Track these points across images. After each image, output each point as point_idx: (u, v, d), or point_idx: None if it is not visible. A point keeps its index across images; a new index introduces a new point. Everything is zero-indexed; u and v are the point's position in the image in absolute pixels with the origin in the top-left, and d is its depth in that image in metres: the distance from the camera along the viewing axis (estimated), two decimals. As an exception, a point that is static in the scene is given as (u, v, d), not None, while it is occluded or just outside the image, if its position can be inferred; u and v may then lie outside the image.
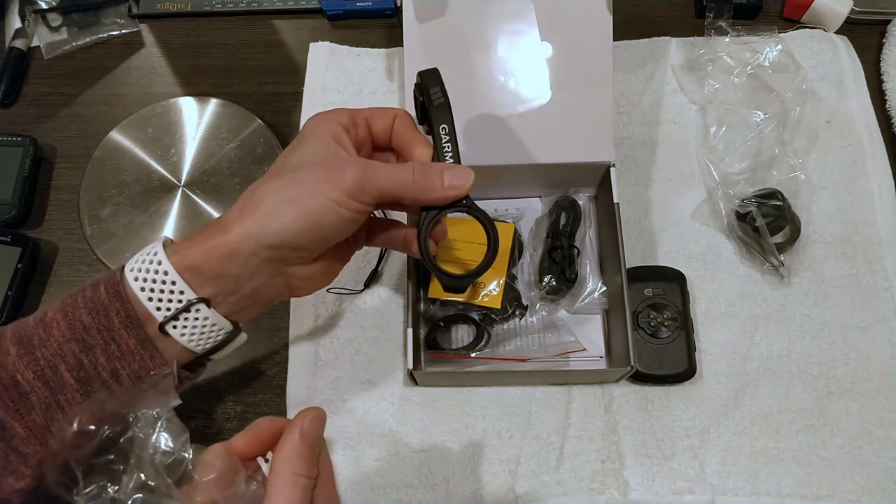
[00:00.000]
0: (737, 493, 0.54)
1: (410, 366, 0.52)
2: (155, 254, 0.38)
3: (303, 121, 0.67)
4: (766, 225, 0.58)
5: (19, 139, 0.66)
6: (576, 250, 0.58)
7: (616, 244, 0.55)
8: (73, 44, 0.73)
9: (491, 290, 0.56)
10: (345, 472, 0.55)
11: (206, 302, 0.39)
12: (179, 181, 0.63)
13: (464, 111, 0.57)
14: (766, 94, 0.65)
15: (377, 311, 0.60)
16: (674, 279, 0.58)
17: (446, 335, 0.58)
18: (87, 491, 0.37)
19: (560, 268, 0.57)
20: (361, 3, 0.72)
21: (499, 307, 0.56)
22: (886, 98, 0.66)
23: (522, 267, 0.60)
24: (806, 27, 0.69)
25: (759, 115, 0.64)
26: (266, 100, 0.69)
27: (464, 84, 0.57)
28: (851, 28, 0.69)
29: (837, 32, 0.69)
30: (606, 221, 0.58)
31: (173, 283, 0.38)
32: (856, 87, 0.67)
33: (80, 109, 0.71)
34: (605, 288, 0.58)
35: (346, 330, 0.59)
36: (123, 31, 0.74)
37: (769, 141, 0.63)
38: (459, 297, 0.56)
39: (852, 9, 0.68)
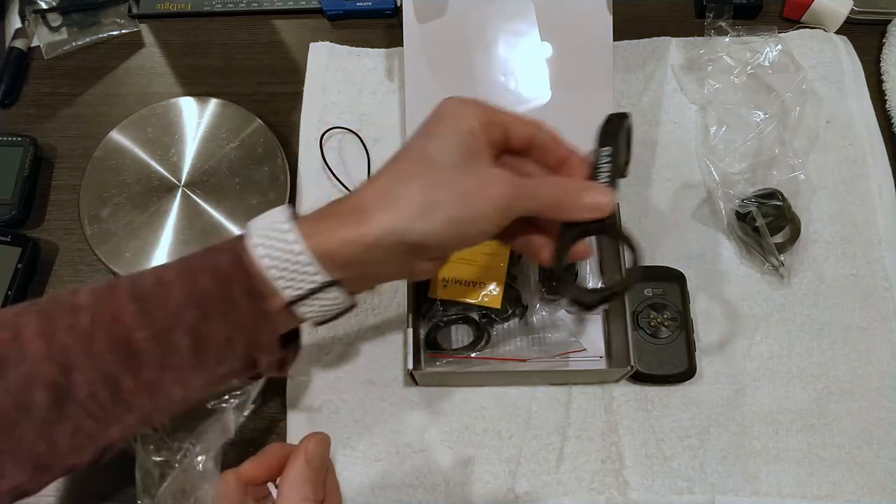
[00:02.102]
0: (737, 493, 0.54)
1: (410, 366, 0.52)
2: (287, 230, 0.37)
3: (303, 121, 0.67)
4: (766, 225, 0.58)
5: (19, 139, 0.66)
6: None
7: (616, 244, 0.55)
8: (73, 44, 0.73)
9: (491, 290, 0.56)
10: (345, 472, 0.55)
11: (339, 284, 0.38)
12: (179, 181, 0.63)
13: (464, 111, 0.57)
14: (766, 94, 0.65)
15: (377, 311, 0.60)
16: (674, 279, 0.58)
17: (446, 335, 0.58)
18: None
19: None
20: (361, 3, 0.72)
21: (499, 307, 0.56)
22: (886, 98, 0.66)
23: (522, 267, 0.60)
24: (806, 27, 0.69)
25: (759, 115, 0.64)
26: (266, 100, 0.69)
27: (464, 84, 0.57)
28: (851, 28, 0.69)
29: (837, 32, 0.69)
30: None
31: (308, 264, 0.37)
32: (856, 87, 0.67)
33: (80, 109, 0.71)
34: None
35: (346, 330, 0.59)
36: (123, 31, 0.74)
37: (769, 141, 0.63)
38: (459, 297, 0.56)
39: (852, 9, 0.68)
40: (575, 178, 0.43)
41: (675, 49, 0.69)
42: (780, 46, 0.65)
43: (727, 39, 0.67)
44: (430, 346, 0.57)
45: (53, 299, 0.38)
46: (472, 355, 0.56)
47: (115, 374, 0.37)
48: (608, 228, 0.42)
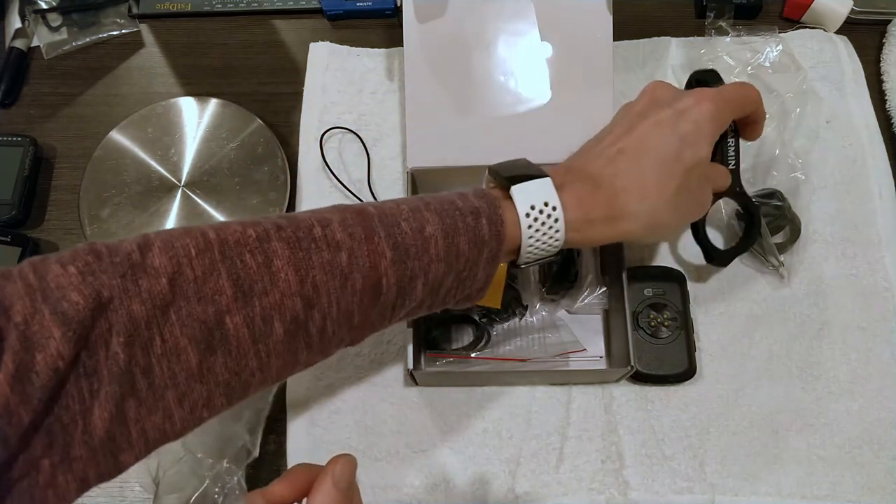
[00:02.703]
0: (737, 493, 0.54)
1: (410, 366, 0.52)
2: (557, 229, 0.41)
3: (303, 121, 0.67)
4: (766, 225, 0.58)
5: (19, 139, 0.66)
6: (575, 250, 0.58)
7: (616, 244, 0.55)
8: (73, 44, 0.73)
9: (491, 290, 0.56)
10: (345, 472, 0.55)
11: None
12: (179, 181, 0.63)
13: (463, 111, 0.58)
14: (766, 94, 0.65)
15: (377, 311, 0.60)
16: (673, 279, 0.58)
17: (446, 335, 0.58)
18: None
19: (560, 267, 0.57)
20: (361, 3, 0.72)
21: (499, 307, 0.56)
22: (886, 98, 0.66)
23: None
24: (806, 27, 0.69)
25: (768, 115, 0.64)
26: (266, 100, 0.69)
27: (463, 84, 0.57)
28: (851, 28, 0.69)
29: (837, 32, 0.69)
30: (606, 221, 0.58)
31: (557, 233, 0.41)
32: (856, 87, 0.67)
33: (80, 109, 0.71)
34: (604, 288, 0.58)
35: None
36: (123, 31, 0.74)
37: (769, 141, 0.63)
38: None
39: (852, 9, 0.68)
40: None
41: (675, 49, 0.69)
42: (780, 46, 0.65)
43: (728, 39, 0.67)
44: (430, 346, 0.57)
45: (296, 226, 0.38)
46: (472, 355, 0.56)
47: (354, 312, 0.39)
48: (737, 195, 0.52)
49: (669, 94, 0.46)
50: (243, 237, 0.36)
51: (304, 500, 0.38)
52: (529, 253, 0.42)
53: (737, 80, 0.65)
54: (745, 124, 0.50)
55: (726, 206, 0.61)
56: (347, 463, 0.38)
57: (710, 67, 0.55)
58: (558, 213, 0.41)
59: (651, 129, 0.44)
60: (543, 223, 0.41)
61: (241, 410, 0.52)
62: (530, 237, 0.41)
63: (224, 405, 0.37)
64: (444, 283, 0.40)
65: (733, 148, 0.55)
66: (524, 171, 0.42)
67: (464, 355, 0.56)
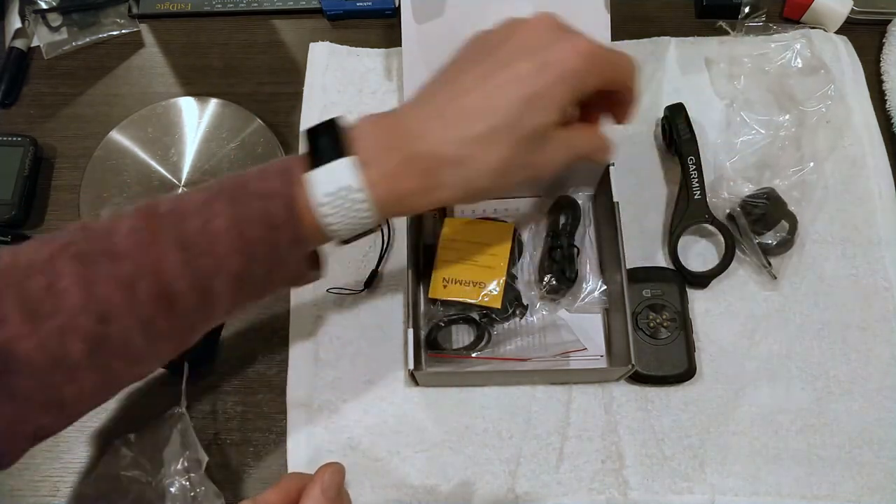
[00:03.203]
0: (737, 493, 0.54)
1: (411, 366, 0.52)
2: (362, 201, 0.38)
3: (303, 121, 0.67)
4: (754, 225, 0.58)
5: (19, 139, 0.66)
6: (576, 249, 0.58)
7: (616, 244, 0.55)
8: (73, 44, 0.73)
9: (491, 290, 0.56)
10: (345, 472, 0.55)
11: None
12: (179, 181, 0.63)
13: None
14: (775, 95, 0.65)
15: (377, 311, 0.60)
16: (672, 280, 0.58)
17: (446, 335, 0.58)
18: None
19: (560, 267, 0.57)
20: (361, 3, 0.72)
21: (499, 307, 0.56)
22: (886, 98, 0.66)
23: (522, 266, 0.60)
24: (806, 27, 0.69)
25: (765, 116, 0.64)
26: (266, 100, 0.69)
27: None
28: (851, 28, 0.69)
29: (837, 32, 0.69)
30: (606, 221, 0.58)
31: (366, 213, 0.39)
32: (856, 87, 0.67)
33: (80, 109, 0.71)
34: (605, 287, 0.58)
35: (346, 330, 0.59)
36: (123, 31, 0.74)
37: (769, 141, 0.63)
38: (459, 297, 0.56)
39: (852, 9, 0.68)
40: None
41: (674, 49, 0.69)
42: (808, 51, 0.65)
43: (750, 38, 0.67)
44: (430, 347, 0.57)
45: (88, 238, 0.37)
46: (473, 355, 0.56)
47: (152, 320, 0.37)
48: None
49: (540, 38, 0.40)
50: (35, 258, 0.36)
51: None
52: (339, 231, 0.39)
53: (748, 79, 0.65)
54: (613, 102, 0.44)
55: (722, 206, 0.61)
56: (336, 472, 0.38)
57: (680, 102, 0.62)
58: (362, 195, 0.38)
59: (502, 87, 0.39)
60: (347, 206, 0.38)
61: (162, 434, 0.53)
62: (332, 220, 0.38)
63: (53, 426, 0.38)
64: (251, 274, 0.38)
65: (697, 180, 0.60)
66: (328, 146, 0.38)
67: (464, 355, 0.56)
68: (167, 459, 0.51)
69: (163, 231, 0.37)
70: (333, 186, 0.37)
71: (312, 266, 0.43)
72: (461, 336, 0.59)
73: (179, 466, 0.51)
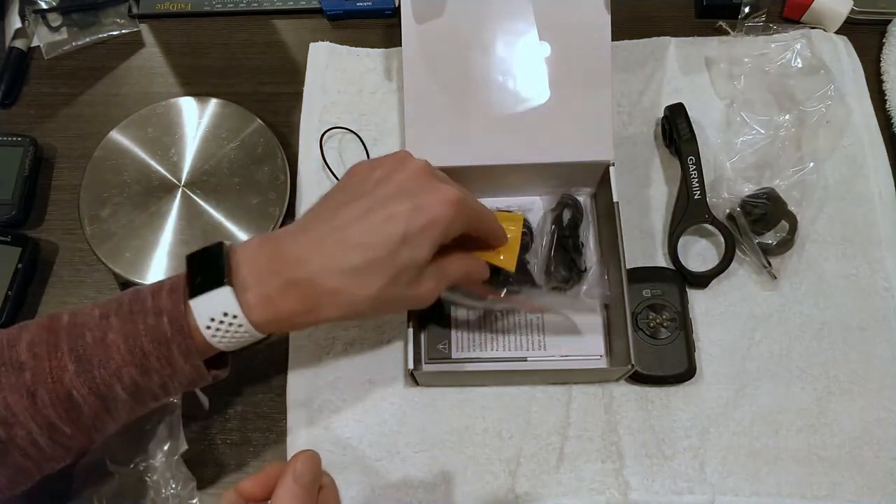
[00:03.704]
0: (737, 493, 0.54)
1: (411, 366, 0.52)
2: (235, 317, 0.41)
3: (303, 121, 0.67)
4: (754, 225, 0.58)
5: (19, 139, 0.66)
6: (581, 243, 0.59)
7: (616, 244, 0.55)
8: (73, 44, 0.73)
9: (505, 254, 0.53)
10: (345, 472, 0.55)
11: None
12: (179, 181, 0.63)
13: (462, 111, 0.57)
14: (775, 95, 0.65)
15: (377, 311, 0.60)
16: (672, 280, 0.58)
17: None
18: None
19: (570, 256, 0.57)
20: (361, 3, 0.72)
21: (513, 270, 0.52)
22: (886, 98, 0.66)
23: (538, 252, 0.59)
24: (806, 27, 0.69)
25: (765, 116, 0.64)
26: (266, 100, 0.69)
27: (462, 84, 0.57)
28: (851, 28, 0.69)
29: (837, 32, 0.69)
30: (606, 221, 0.58)
31: (246, 332, 0.42)
32: (856, 87, 0.67)
33: (80, 109, 0.71)
34: (606, 277, 0.57)
35: (346, 330, 0.59)
36: (123, 31, 0.74)
37: (769, 141, 0.63)
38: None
39: (852, 9, 0.68)
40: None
41: (674, 49, 0.69)
42: (808, 51, 0.65)
43: (748, 37, 0.67)
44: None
45: None
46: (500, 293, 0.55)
47: (56, 424, 0.40)
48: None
49: (416, 182, 0.44)
50: None
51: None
52: (227, 347, 0.43)
53: (749, 79, 0.65)
54: (482, 241, 0.50)
55: (722, 206, 0.61)
56: (307, 459, 0.39)
57: (679, 102, 0.62)
58: (240, 320, 0.41)
59: (381, 224, 0.42)
60: (227, 330, 0.41)
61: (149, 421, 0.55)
62: (217, 339, 0.41)
63: None
64: (149, 381, 0.41)
65: (697, 180, 0.60)
66: (208, 277, 0.41)
67: (487, 292, 0.55)
68: (151, 448, 0.53)
69: (61, 344, 0.40)
70: (214, 313, 0.40)
71: (219, 366, 0.45)
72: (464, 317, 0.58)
73: (160, 455, 0.53)
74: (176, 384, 0.42)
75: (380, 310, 0.44)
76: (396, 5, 0.71)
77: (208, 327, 0.41)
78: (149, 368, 0.41)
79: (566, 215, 0.60)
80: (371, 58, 0.70)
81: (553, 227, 0.59)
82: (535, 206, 0.63)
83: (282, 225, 0.61)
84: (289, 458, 0.55)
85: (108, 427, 0.43)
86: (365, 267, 0.41)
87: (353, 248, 0.42)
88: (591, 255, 0.59)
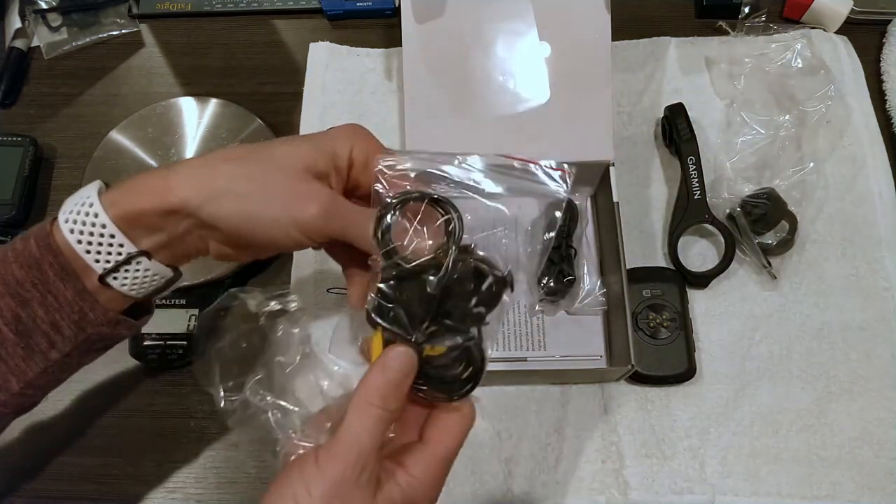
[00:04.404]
0: (737, 493, 0.54)
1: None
2: (91, 205, 0.37)
3: (303, 121, 0.67)
4: (754, 225, 0.58)
5: (19, 139, 0.66)
6: (573, 251, 0.58)
7: (616, 244, 0.55)
8: (73, 44, 0.73)
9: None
10: (344, 472, 0.55)
11: (147, 254, 0.38)
12: (179, 181, 0.63)
13: (462, 111, 0.58)
14: (775, 95, 0.65)
15: (377, 311, 0.60)
16: (672, 280, 0.58)
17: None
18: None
19: (558, 268, 0.57)
20: (361, 3, 0.72)
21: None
22: (886, 98, 0.66)
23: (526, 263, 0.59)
24: (806, 27, 0.69)
25: (765, 116, 0.64)
26: (266, 100, 0.69)
27: (462, 84, 0.57)
28: (851, 28, 0.69)
29: (837, 32, 0.69)
30: (606, 221, 0.58)
31: (112, 236, 0.37)
32: (856, 87, 0.67)
33: (80, 109, 0.71)
34: (604, 289, 0.57)
35: (346, 330, 0.59)
36: (123, 31, 0.74)
37: (769, 141, 0.63)
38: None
39: (852, 9, 0.68)
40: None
41: (674, 49, 0.69)
42: (808, 51, 0.65)
43: (748, 38, 0.67)
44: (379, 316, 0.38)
45: None
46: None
47: None
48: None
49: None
50: None
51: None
52: (94, 253, 0.37)
53: (749, 79, 0.65)
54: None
55: (722, 206, 0.61)
56: (399, 353, 0.36)
57: (679, 102, 0.62)
58: (96, 208, 0.37)
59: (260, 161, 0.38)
60: (91, 232, 0.37)
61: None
62: (92, 255, 0.37)
63: None
64: (33, 314, 0.38)
65: (697, 180, 0.59)
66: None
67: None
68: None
69: None
70: (71, 207, 0.38)
71: (140, 312, 0.42)
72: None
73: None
74: (67, 321, 0.38)
75: (252, 209, 0.38)
76: (396, 5, 0.71)
77: (72, 231, 0.37)
78: (27, 298, 0.37)
79: (560, 220, 0.59)
80: (371, 58, 0.70)
81: (545, 239, 0.59)
82: (535, 207, 0.63)
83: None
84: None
85: (8, 380, 0.38)
86: (236, 173, 0.38)
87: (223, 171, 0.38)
88: (588, 257, 0.59)
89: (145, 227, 0.38)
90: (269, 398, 0.45)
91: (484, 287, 0.36)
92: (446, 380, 0.37)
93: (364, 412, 0.36)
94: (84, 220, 0.37)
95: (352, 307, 0.44)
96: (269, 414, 0.45)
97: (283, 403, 0.46)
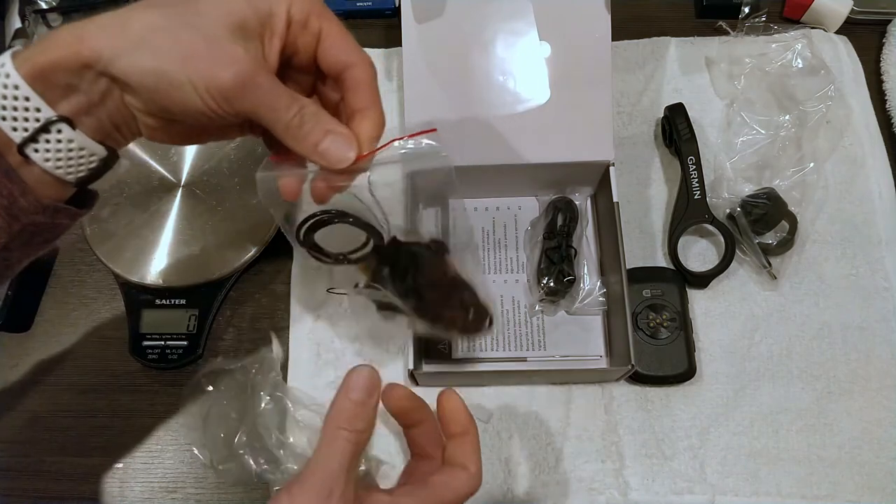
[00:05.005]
0: (737, 493, 0.54)
1: (411, 366, 0.52)
2: (2, 65, 0.33)
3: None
4: (754, 225, 0.58)
5: (19, 139, 0.66)
6: (573, 251, 0.58)
7: (616, 244, 0.55)
8: (73, 44, 0.73)
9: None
10: (344, 472, 0.55)
11: (68, 121, 0.34)
12: (179, 181, 0.63)
13: (462, 111, 0.57)
14: (775, 95, 0.65)
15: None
16: (672, 280, 0.58)
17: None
18: None
19: (557, 269, 0.57)
20: (361, 3, 0.72)
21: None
22: (886, 98, 0.66)
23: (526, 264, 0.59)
24: (806, 27, 0.69)
25: (765, 117, 0.64)
26: (266, 100, 0.69)
27: (462, 84, 0.57)
28: (851, 28, 0.69)
29: (837, 32, 0.69)
30: (606, 221, 0.58)
31: (27, 98, 0.33)
32: (856, 87, 0.67)
33: (80, 109, 0.70)
34: (604, 289, 0.58)
35: (346, 330, 0.59)
36: (123, 32, 0.74)
37: (769, 141, 0.63)
38: None
39: (852, 9, 0.68)
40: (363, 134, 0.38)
41: (674, 49, 0.69)
42: (808, 52, 0.65)
43: (749, 38, 0.67)
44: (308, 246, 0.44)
45: None
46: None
47: None
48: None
49: None
50: None
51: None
52: (9, 119, 0.34)
53: (749, 79, 0.65)
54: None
55: (722, 206, 0.61)
56: (360, 374, 0.38)
57: (679, 102, 0.62)
58: (7, 67, 0.33)
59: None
60: (4, 95, 0.33)
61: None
62: (7, 120, 0.34)
63: None
64: None
65: (697, 180, 0.60)
66: None
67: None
68: None
69: None
70: None
71: (86, 201, 0.39)
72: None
73: None
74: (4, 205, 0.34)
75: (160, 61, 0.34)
76: (396, 5, 0.71)
77: None
78: None
79: (560, 220, 0.59)
80: (371, 57, 0.70)
81: (545, 238, 0.59)
82: (534, 207, 0.63)
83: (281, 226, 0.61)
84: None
85: None
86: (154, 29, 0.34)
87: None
88: (588, 257, 0.59)
89: (62, 88, 0.34)
90: (256, 445, 0.52)
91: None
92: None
93: (333, 437, 0.37)
94: (4, 93, 0.33)
95: (286, 198, 0.41)
96: (257, 466, 0.52)
97: (270, 450, 0.52)
